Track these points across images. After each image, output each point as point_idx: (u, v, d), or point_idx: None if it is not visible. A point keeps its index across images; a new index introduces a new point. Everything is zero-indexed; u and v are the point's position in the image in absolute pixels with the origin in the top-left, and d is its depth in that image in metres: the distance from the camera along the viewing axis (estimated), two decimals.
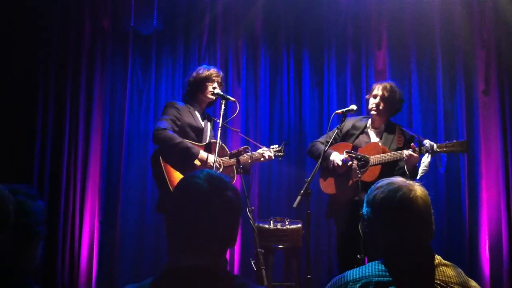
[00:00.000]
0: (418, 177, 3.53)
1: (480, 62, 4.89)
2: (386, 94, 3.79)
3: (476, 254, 4.64)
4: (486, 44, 4.90)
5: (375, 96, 3.82)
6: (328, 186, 3.88)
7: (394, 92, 3.82)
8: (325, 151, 3.64)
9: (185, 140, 3.74)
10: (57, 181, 4.64)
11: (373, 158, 3.66)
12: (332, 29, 5.01)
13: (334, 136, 3.83)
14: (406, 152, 3.57)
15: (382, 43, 4.99)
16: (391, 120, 3.94)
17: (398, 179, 1.71)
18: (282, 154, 4.04)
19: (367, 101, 3.92)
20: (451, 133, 4.71)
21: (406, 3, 4.97)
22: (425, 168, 3.56)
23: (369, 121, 3.92)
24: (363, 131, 3.88)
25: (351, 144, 3.83)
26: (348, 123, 3.88)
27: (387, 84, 3.85)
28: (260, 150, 3.94)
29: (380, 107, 3.80)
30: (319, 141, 3.97)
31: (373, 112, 3.83)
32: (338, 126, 3.88)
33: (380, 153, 3.68)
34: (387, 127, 3.88)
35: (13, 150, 4.55)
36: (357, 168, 3.59)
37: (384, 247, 1.65)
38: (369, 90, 4.04)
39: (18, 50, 4.66)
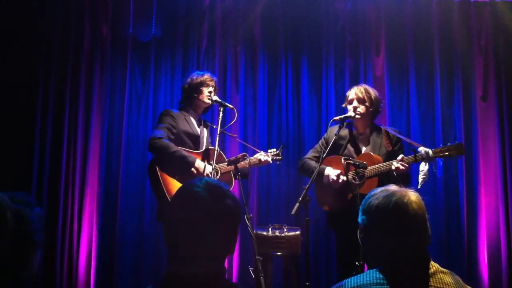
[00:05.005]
0: (419, 186, 3.47)
1: (478, 68, 4.91)
2: (360, 95, 3.75)
3: (475, 260, 4.63)
4: (484, 50, 4.92)
5: (351, 101, 3.77)
6: (326, 202, 3.83)
7: (369, 92, 3.77)
8: (319, 165, 3.55)
9: (181, 148, 3.73)
10: (56, 188, 4.64)
11: (369, 171, 3.59)
12: (330, 35, 5.01)
13: (322, 148, 3.75)
14: (396, 164, 3.51)
15: (381, 50, 5.00)
16: (375, 123, 3.88)
17: (392, 186, 1.73)
18: (280, 157, 4.03)
19: (346, 109, 3.83)
20: (450, 139, 4.69)
21: (404, 9, 4.99)
22: (424, 176, 3.51)
23: (353, 127, 3.85)
24: (349, 140, 3.81)
25: (342, 157, 3.69)
26: (331, 133, 3.80)
27: (360, 87, 3.81)
28: (257, 155, 3.94)
29: (360, 110, 3.74)
30: (308, 158, 3.91)
31: (357, 117, 3.74)
32: (324, 136, 3.87)
33: (374, 163, 3.61)
34: (372, 131, 3.81)
35: (11, 156, 4.55)
36: (355, 180, 3.51)
37: (381, 254, 1.66)
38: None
39: (17, 56, 4.66)
